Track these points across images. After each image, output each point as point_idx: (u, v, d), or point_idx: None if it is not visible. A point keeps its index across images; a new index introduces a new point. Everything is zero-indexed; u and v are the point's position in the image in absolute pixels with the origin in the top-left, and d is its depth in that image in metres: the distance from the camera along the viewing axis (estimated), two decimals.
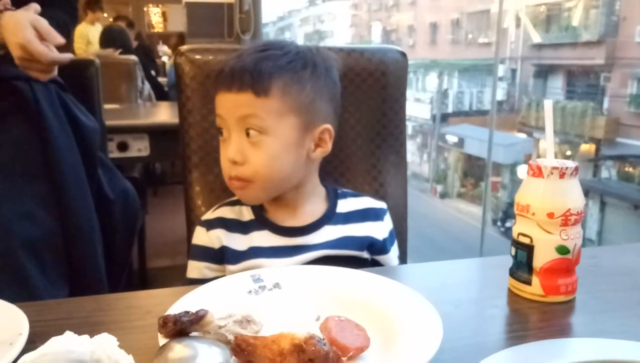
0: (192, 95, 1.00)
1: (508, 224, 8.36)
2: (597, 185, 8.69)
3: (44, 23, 1.03)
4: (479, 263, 0.86)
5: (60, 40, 1.04)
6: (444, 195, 11.97)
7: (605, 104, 9.13)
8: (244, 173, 0.80)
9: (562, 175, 0.62)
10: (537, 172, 0.63)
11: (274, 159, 0.80)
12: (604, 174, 8.86)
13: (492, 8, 11.20)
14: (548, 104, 0.65)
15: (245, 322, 0.50)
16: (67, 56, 1.06)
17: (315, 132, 0.83)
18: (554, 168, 0.62)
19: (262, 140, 0.79)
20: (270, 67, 0.79)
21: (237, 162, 0.80)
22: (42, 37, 1.01)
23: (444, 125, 12.33)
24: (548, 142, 0.65)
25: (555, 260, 0.63)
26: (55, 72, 1.07)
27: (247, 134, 0.79)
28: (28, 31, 1.00)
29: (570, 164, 0.63)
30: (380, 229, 0.90)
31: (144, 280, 2.58)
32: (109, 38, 3.72)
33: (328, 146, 0.85)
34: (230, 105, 0.80)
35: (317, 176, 0.90)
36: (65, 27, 1.23)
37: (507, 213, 8.92)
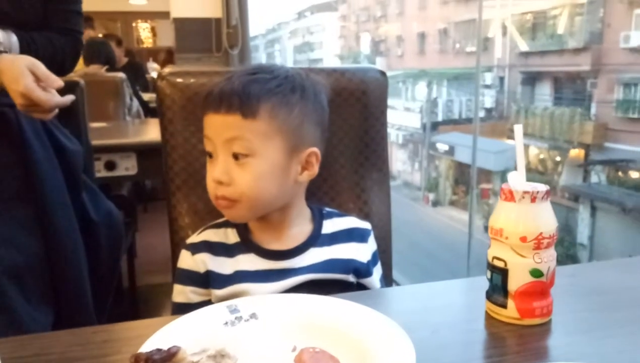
0: (174, 117, 1.00)
1: None
2: (587, 190, 8.74)
3: (41, 68, 1.04)
4: (459, 285, 0.86)
5: (59, 83, 1.06)
6: (436, 203, 12.00)
7: (593, 110, 9.20)
8: (230, 193, 0.81)
9: (533, 199, 0.63)
10: (509, 196, 0.64)
11: (259, 180, 0.80)
12: (594, 178, 8.92)
13: (478, 17, 11.30)
14: (518, 129, 0.65)
15: (219, 357, 0.50)
16: (68, 99, 1.08)
17: (302, 155, 0.84)
18: (525, 192, 0.63)
19: (248, 161, 0.80)
20: (259, 90, 0.80)
21: (223, 182, 0.80)
22: (39, 81, 1.02)
23: (434, 134, 12.39)
24: (519, 166, 0.66)
25: (529, 283, 0.64)
26: (56, 111, 1.09)
27: (234, 156, 0.80)
28: (28, 79, 1.01)
29: (542, 187, 0.64)
30: (363, 252, 0.91)
31: (134, 297, 2.56)
32: (91, 51, 3.69)
33: (315, 169, 0.86)
34: (218, 126, 0.81)
35: (303, 198, 0.91)
36: (69, 55, 1.24)
37: None
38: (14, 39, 1.11)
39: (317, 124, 0.87)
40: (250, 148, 0.79)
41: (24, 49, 1.13)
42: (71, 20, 1.25)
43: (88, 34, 4.29)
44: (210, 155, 0.83)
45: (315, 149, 0.85)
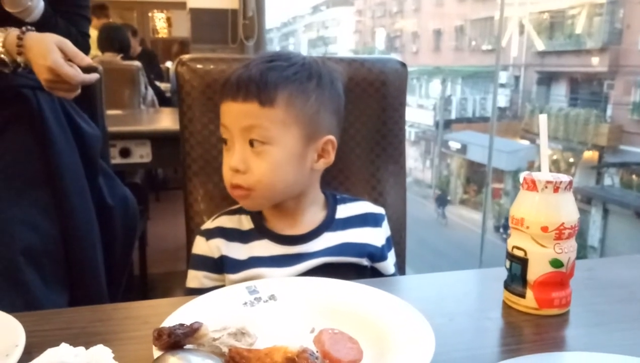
0: (193, 103, 1.01)
1: None
2: (599, 192, 8.66)
3: (69, 45, 1.05)
4: (475, 275, 0.86)
5: (87, 61, 1.07)
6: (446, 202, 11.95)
7: (609, 112, 9.11)
8: (247, 181, 0.81)
9: (556, 189, 0.63)
10: (532, 185, 0.64)
11: (276, 168, 0.81)
12: (607, 181, 8.84)
13: (495, 15, 11.22)
14: (542, 119, 0.65)
15: (239, 335, 0.51)
16: (94, 76, 1.09)
17: (318, 143, 0.84)
18: (548, 182, 0.63)
19: (265, 149, 0.80)
20: (276, 78, 0.80)
21: (240, 170, 0.81)
22: (68, 59, 1.04)
23: (447, 132, 12.33)
24: (542, 156, 0.65)
25: (549, 273, 0.64)
26: (79, 90, 1.09)
27: (251, 144, 0.80)
28: (56, 54, 1.02)
29: (565, 178, 0.63)
30: (378, 236, 0.91)
31: (144, 286, 2.58)
32: (106, 37, 3.70)
33: (331, 157, 0.87)
34: (235, 114, 0.81)
35: (318, 186, 0.91)
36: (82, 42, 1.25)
37: None
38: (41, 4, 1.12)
39: (334, 111, 0.87)
40: (268, 136, 0.80)
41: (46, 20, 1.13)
42: (79, 23, 1.26)
43: (102, 22, 4.32)
44: (227, 143, 0.84)
45: (331, 137, 0.85)
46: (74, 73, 1.03)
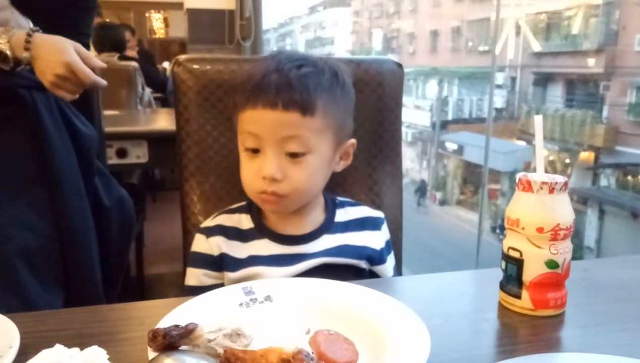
0: (190, 104, 1.01)
1: None
2: (595, 193, 8.69)
3: (82, 48, 1.06)
4: (471, 275, 0.86)
5: (101, 64, 1.08)
6: (443, 202, 11.97)
7: (605, 113, 9.14)
8: (283, 190, 0.80)
9: (551, 190, 0.63)
10: (527, 186, 0.64)
11: (313, 175, 0.81)
12: (603, 182, 8.86)
13: (492, 16, 11.25)
14: (538, 119, 0.65)
15: (235, 336, 0.51)
16: (104, 81, 1.10)
17: (344, 147, 0.86)
18: (544, 183, 0.63)
19: (305, 158, 0.79)
20: (315, 86, 0.79)
21: (277, 179, 0.79)
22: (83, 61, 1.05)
23: (443, 133, 12.35)
24: (538, 157, 0.65)
25: (544, 274, 0.64)
26: (77, 96, 1.10)
27: (292, 154, 0.79)
28: (74, 52, 1.03)
29: (560, 178, 0.64)
30: (377, 239, 0.91)
31: (141, 287, 2.57)
32: (102, 35, 3.68)
33: (350, 159, 0.89)
34: (273, 123, 0.78)
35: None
36: None
37: None
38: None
39: (352, 114, 0.89)
40: (308, 146, 0.79)
41: None
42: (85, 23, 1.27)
43: (96, 21, 4.30)
44: (254, 151, 0.81)
45: (354, 141, 0.87)
46: (90, 72, 1.04)
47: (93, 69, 1.06)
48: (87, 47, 1.24)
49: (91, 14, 1.32)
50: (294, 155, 0.79)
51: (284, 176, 0.79)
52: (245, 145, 0.82)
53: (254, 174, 0.81)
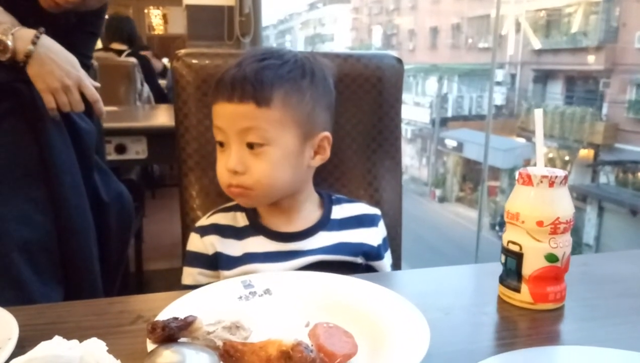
0: (189, 99, 1.00)
1: None
2: (595, 190, 8.70)
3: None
4: (471, 270, 0.86)
5: (96, 88, 1.14)
6: (442, 199, 11.98)
7: (604, 110, 9.15)
8: (245, 182, 0.80)
9: (551, 184, 0.63)
10: (527, 180, 0.64)
11: (275, 168, 0.80)
12: (602, 179, 8.87)
13: (492, 13, 11.24)
14: (538, 113, 0.65)
15: (234, 328, 0.51)
16: (104, 112, 1.18)
17: (314, 140, 0.84)
18: (544, 176, 0.63)
19: (264, 150, 0.79)
20: (272, 77, 0.79)
21: (239, 172, 0.80)
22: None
23: (443, 130, 12.35)
24: (538, 151, 0.65)
25: (544, 268, 0.64)
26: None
27: (249, 145, 0.79)
28: (83, 72, 1.08)
29: (560, 172, 0.63)
30: (374, 236, 0.91)
31: (140, 282, 2.58)
32: (113, 28, 3.66)
33: (327, 153, 0.87)
34: (231, 116, 0.80)
35: (311, 182, 0.91)
36: None
37: None
38: None
39: (327, 107, 0.87)
40: (266, 137, 0.79)
41: None
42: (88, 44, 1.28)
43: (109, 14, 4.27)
44: (222, 144, 0.83)
45: (327, 133, 0.86)
46: (95, 93, 1.11)
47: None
48: (87, 68, 1.25)
49: (94, 39, 1.33)
50: (252, 146, 0.79)
51: (246, 168, 0.80)
52: (216, 139, 0.84)
53: (222, 167, 0.82)
